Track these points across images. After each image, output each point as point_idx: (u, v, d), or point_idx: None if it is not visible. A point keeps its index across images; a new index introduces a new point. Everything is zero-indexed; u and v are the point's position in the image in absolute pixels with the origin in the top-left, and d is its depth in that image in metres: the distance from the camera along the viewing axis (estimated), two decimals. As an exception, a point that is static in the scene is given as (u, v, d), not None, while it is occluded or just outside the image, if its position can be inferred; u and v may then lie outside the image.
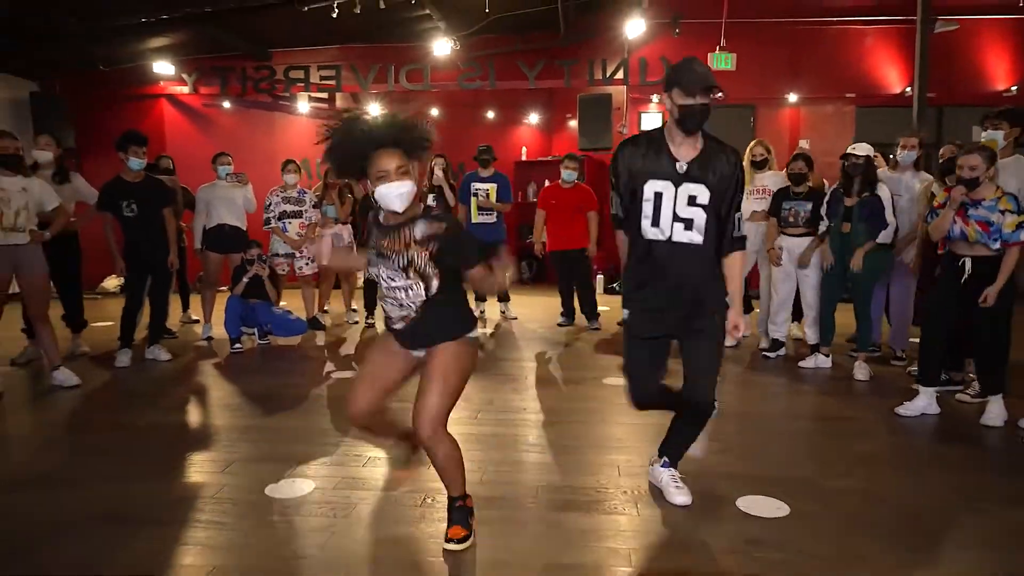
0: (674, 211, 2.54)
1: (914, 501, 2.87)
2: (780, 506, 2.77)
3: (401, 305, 2.31)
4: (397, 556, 2.41)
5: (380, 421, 2.51)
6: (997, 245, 3.69)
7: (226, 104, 9.54)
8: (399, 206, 2.24)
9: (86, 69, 8.75)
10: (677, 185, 2.53)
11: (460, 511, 2.43)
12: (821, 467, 3.22)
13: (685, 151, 2.55)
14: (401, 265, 2.26)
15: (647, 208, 2.57)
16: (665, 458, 2.88)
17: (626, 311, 2.74)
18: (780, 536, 2.54)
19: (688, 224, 2.54)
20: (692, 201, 2.53)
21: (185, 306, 7.11)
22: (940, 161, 4.74)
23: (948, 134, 7.75)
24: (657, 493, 2.88)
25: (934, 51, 7.73)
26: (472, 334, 2.39)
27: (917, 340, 4.99)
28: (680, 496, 2.78)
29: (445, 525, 2.45)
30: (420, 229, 2.26)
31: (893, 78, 8.34)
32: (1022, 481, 3.14)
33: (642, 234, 2.59)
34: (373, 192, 2.27)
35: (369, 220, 2.42)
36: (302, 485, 2.97)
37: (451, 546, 2.39)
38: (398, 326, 2.36)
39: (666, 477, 2.85)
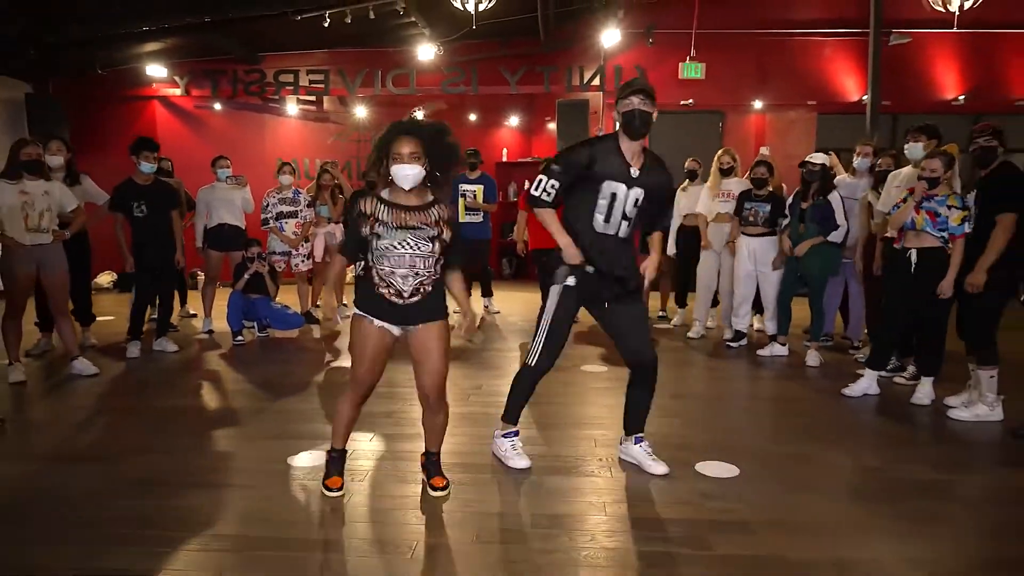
0: (624, 211, 3.02)
1: (847, 464, 3.39)
2: (731, 468, 3.26)
3: (417, 274, 2.66)
4: (406, 507, 2.84)
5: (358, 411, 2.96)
6: (940, 234, 4.17)
7: (217, 106, 9.86)
8: (407, 184, 2.64)
9: (81, 71, 9.01)
10: (629, 188, 2.99)
11: (436, 464, 2.97)
12: (769, 437, 3.72)
13: (634, 159, 3.01)
14: (431, 236, 2.67)
15: (602, 204, 2.99)
16: (635, 435, 3.28)
17: (572, 278, 3.06)
18: (729, 491, 3.03)
19: (630, 222, 3.06)
20: (635, 203, 3.03)
21: (183, 301, 7.44)
22: (876, 171, 5.24)
23: (900, 141, 8.32)
24: (630, 463, 3.34)
25: (889, 62, 8.32)
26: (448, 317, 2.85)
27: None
28: (658, 467, 3.17)
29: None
30: (442, 210, 2.74)
31: (851, 87, 8.92)
32: (936, 450, 3.67)
33: (592, 227, 3.03)
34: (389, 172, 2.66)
35: (374, 201, 2.69)
36: (320, 456, 3.39)
37: (439, 493, 2.91)
38: (409, 299, 2.67)
39: (640, 452, 3.25)
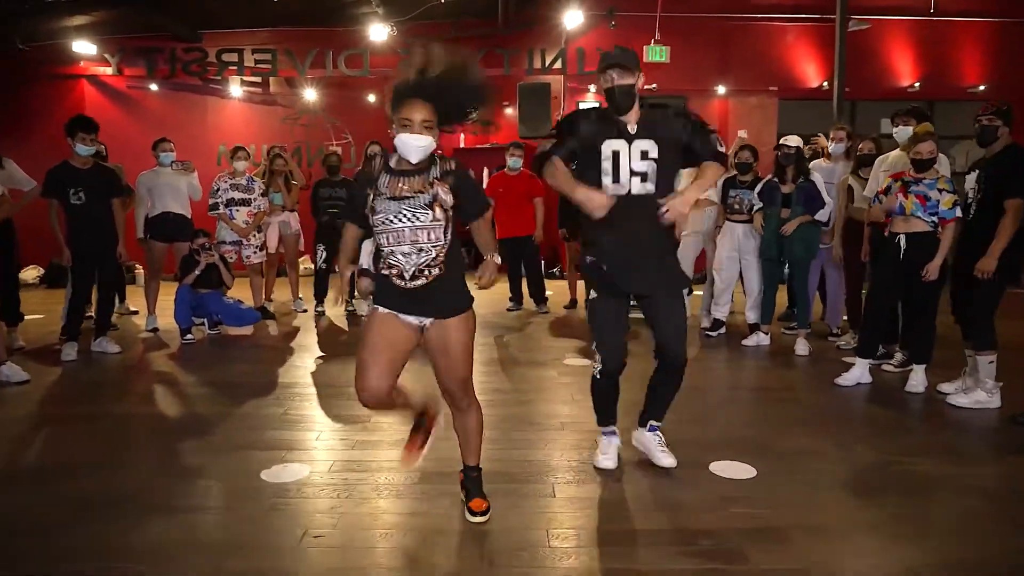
0: (630, 167, 2.76)
1: (864, 458, 3.23)
2: (748, 469, 3.06)
3: (420, 250, 2.29)
4: (409, 528, 2.53)
5: (393, 400, 2.50)
6: (930, 218, 4.07)
7: (153, 87, 9.17)
8: (415, 157, 2.30)
9: (2, 48, 8.22)
10: (630, 143, 2.76)
11: (477, 481, 2.58)
12: (774, 432, 3.54)
13: (630, 118, 2.78)
14: (427, 202, 2.28)
15: (607, 166, 2.76)
16: (651, 422, 3.08)
17: (593, 292, 2.91)
18: (752, 494, 2.82)
19: (643, 177, 2.77)
20: (644, 156, 2.76)
21: (122, 297, 6.86)
22: (857, 154, 5.15)
23: (860, 127, 8.37)
24: (633, 464, 3.11)
25: (848, 48, 8.31)
26: (472, 308, 2.49)
27: (846, 317, 5.51)
28: (667, 458, 3.01)
29: (444, 496, 2.61)
30: (438, 167, 2.35)
31: (812, 73, 8.91)
32: (941, 439, 3.56)
33: (603, 191, 2.75)
34: (393, 137, 2.30)
35: (373, 169, 2.38)
36: (298, 469, 3.03)
37: (477, 519, 2.50)
38: (416, 282, 2.31)
39: (651, 440, 3.07)
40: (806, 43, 8.88)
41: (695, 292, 6.42)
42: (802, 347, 5.22)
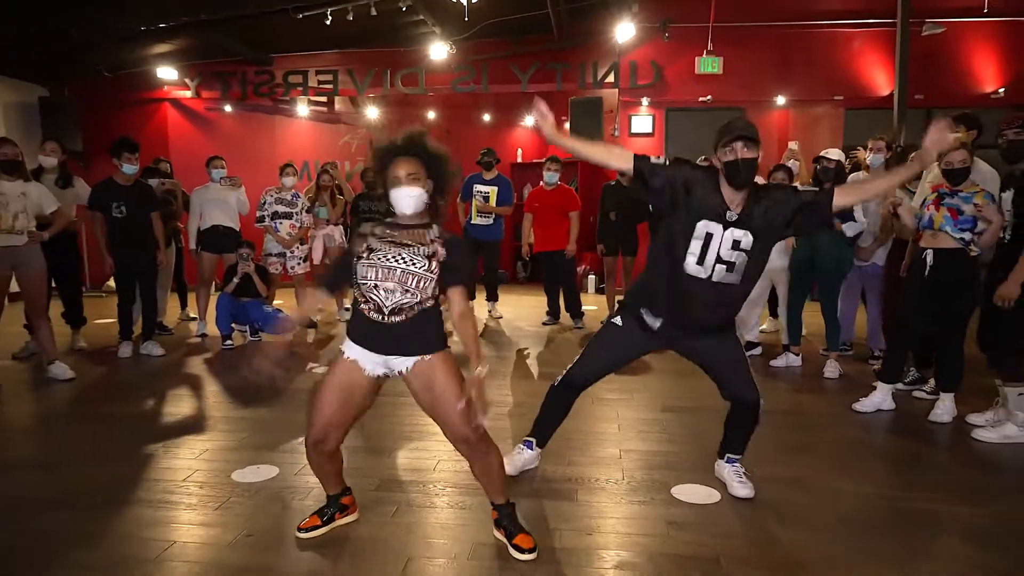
0: (719, 253, 2.64)
1: (843, 489, 3.03)
2: (711, 493, 2.94)
3: (406, 291, 2.27)
4: (342, 535, 2.59)
5: (331, 456, 2.48)
6: (960, 234, 3.77)
7: (227, 108, 9.80)
8: (408, 208, 2.33)
9: (93, 75, 9.04)
10: (726, 228, 2.63)
11: (513, 517, 2.49)
12: (762, 457, 3.35)
13: (734, 202, 2.64)
14: (426, 254, 2.29)
15: (695, 246, 2.64)
16: (728, 455, 3.03)
17: (619, 319, 2.90)
18: (703, 521, 2.71)
19: (730, 267, 2.65)
20: (736, 245, 2.64)
21: (183, 304, 7.35)
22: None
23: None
24: (596, 483, 3.05)
25: (922, 54, 7.82)
26: (448, 349, 2.40)
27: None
28: (743, 489, 2.92)
29: (390, 504, 2.62)
30: (437, 229, 2.38)
31: (881, 80, 8.42)
32: (950, 476, 3.28)
33: (681, 268, 2.66)
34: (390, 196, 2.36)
35: (367, 233, 2.39)
36: (267, 471, 3.17)
37: (526, 556, 2.38)
38: (394, 317, 2.28)
39: (727, 472, 3.01)
40: (873, 49, 8.40)
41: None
42: (831, 370, 4.94)
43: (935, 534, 2.64)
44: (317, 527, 2.56)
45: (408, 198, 2.33)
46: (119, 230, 5.31)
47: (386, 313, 2.28)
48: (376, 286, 2.28)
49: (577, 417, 3.96)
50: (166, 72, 9.21)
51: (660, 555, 2.43)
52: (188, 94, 9.50)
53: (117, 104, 9.41)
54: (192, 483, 3.05)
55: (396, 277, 2.27)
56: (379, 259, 2.29)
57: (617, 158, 2.78)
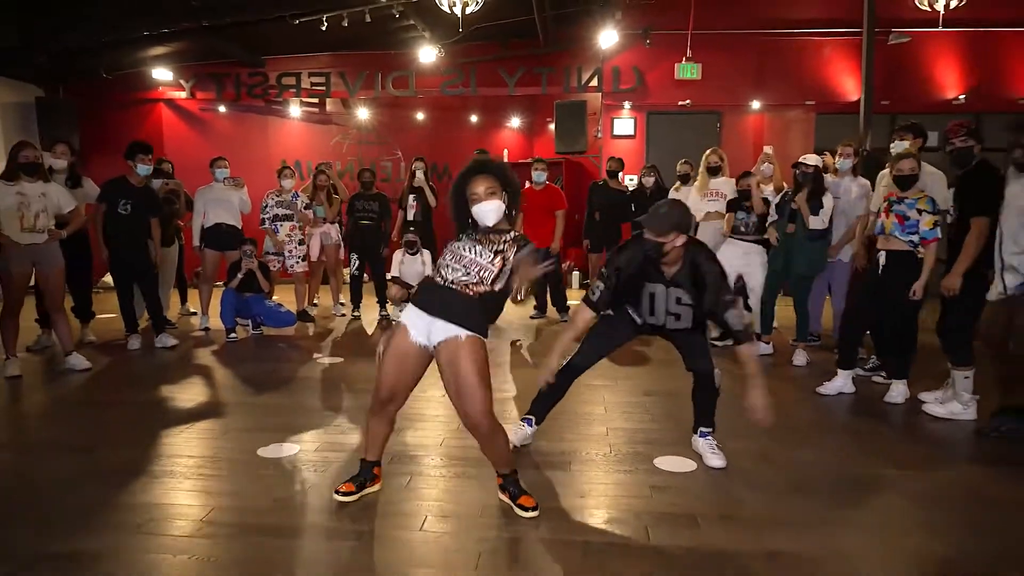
0: (666, 307, 3.19)
1: (806, 459, 3.42)
2: (688, 463, 3.32)
3: (468, 273, 2.63)
4: (365, 501, 2.93)
5: (388, 422, 2.86)
6: (908, 238, 4.16)
7: (222, 108, 10.04)
8: (490, 220, 2.67)
9: (90, 76, 9.23)
10: (667, 287, 3.16)
11: (516, 483, 2.82)
12: (733, 433, 3.72)
13: (669, 267, 3.14)
14: (495, 250, 2.66)
15: (645, 304, 3.22)
16: (701, 429, 3.43)
17: (611, 312, 3.37)
18: (680, 485, 3.08)
19: (677, 316, 3.20)
20: (679, 301, 3.16)
21: (183, 300, 7.61)
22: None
23: (899, 140, 8.28)
24: (586, 456, 3.41)
25: (888, 61, 8.29)
26: (485, 335, 2.70)
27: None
28: (716, 460, 3.30)
29: (403, 476, 2.96)
30: (511, 234, 2.72)
31: (849, 86, 8.88)
32: (901, 447, 3.68)
33: (639, 315, 3.27)
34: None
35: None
36: (289, 448, 3.49)
37: (529, 514, 2.72)
38: (451, 284, 2.63)
39: (702, 444, 3.40)
40: (843, 56, 8.86)
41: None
42: (800, 358, 5.35)
43: (887, 496, 3.03)
44: (352, 493, 2.88)
45: (488, 212, 2.67)
46: (121, 228, 5.59)
47: (445, 279, 2.66)
48: (448, 265, 2.69)
49: (567, 401, 4.32)
50: (161, 73, 9.43)
51: (645, 514, 2.80)
52: (183, 95, 9.73)
53: (113, 105, 9.62)
54: (221, 459, 3.37)
55: (464, 261, 2.67)
56: (457, 247, 2.72)
57: (582, 315, 3.27)
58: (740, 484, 3.11)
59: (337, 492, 2.88)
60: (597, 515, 2.79)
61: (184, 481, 3.12)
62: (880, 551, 2.54)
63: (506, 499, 2.83)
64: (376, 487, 2.98)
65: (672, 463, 3.34)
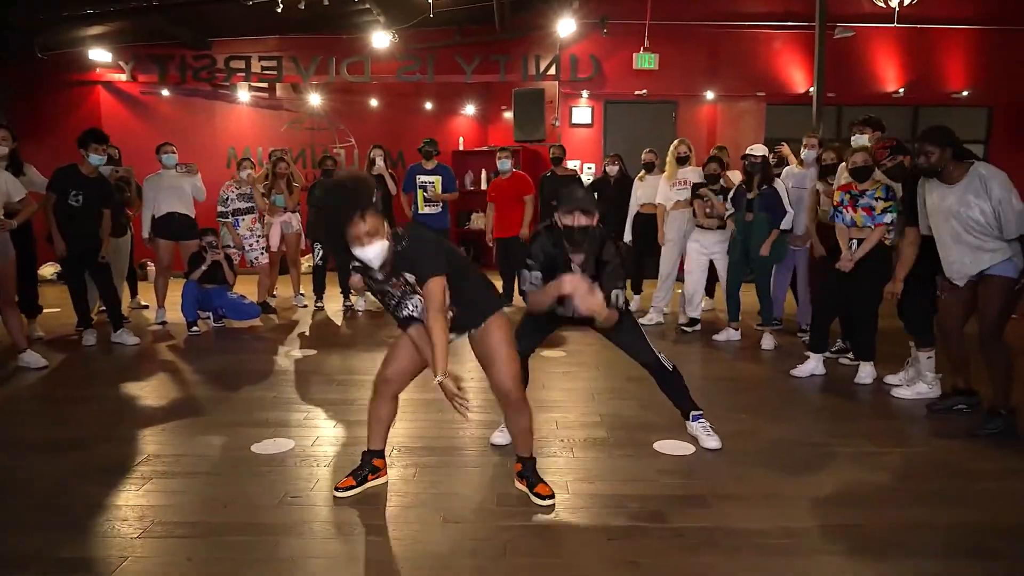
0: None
1: (792, 438, 3.55)
2: (686, 446, 3.40)
3: (416, 313, 2.65)
4: (374, 495, 2.88)
5: (392, 407, 2.87)
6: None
7: (165, 92, 9.60)
8: (376, 264, 2.52)
9: (21, 56, 8.66)
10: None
11: (532, 469, 2.84)
12: (719, 415, 3.83)
13: (576, 256, 3.05)
14: (409, 291, 2.62)
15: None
16: (692, 413, 3.45)
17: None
18: (685, 468, 3.16)
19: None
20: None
21: (133, 293, 7.27)
22: (821, 164, 5.39)
23: (845, 131, 8.62)
24: (586, 441, 3.45)
25: (834, 55, 8.58)
26: (501, 309, 2.77)
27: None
28: (711, 441, 3.36)
29: (410, 467, 2.92)
30: (392, 248, 2.54)
31: (798, 79, 9.18)
32: (876, 424, 3.87)
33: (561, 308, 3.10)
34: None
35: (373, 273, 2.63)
36: (284, 443, 3.40)
37: (546, 502, 2.73)
38: (419, 312, 2.65)
39: (696, 428, 3.44)
40: (792, 50, 9.16)
41: (676, 291, 6.73)
42: (768, 342, 5.53)
43: (861, 470, 3.18)
44: (352, 487, 2.83)
45: (374, 256, 2.48)
46: (73, 219, 5.27)
47: (419, 311, 2.64)
48: (397, 304, 2.68)
49: (552, 388, 4.37)
50: (99, 54, 8.93)
51: (657, 496, 2.86)
52: (123, 77, 9.25)
53: (45, 87, 9.06)
54: (217, 457, 3.25)
55: (394, 297, 2.66)
56: (375, 287, 2.68)
57: (537, 299, 3.05)
58: (740, 463, 3.21)
59: (337, 489, 2.83)
60: (611, 500, 2.83)
61: (187, 480, 3.00)
62: (885, 525, 2.67)
63: (523, 487, 2.83)
64: (382, 479, 2.94)
65: (671, 446, 3.41)
